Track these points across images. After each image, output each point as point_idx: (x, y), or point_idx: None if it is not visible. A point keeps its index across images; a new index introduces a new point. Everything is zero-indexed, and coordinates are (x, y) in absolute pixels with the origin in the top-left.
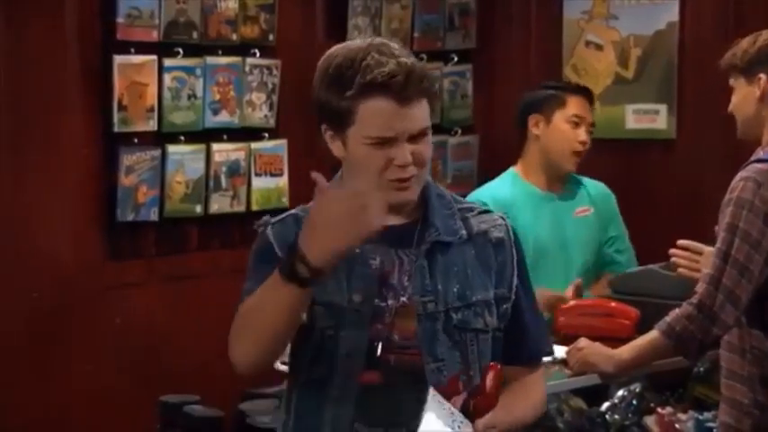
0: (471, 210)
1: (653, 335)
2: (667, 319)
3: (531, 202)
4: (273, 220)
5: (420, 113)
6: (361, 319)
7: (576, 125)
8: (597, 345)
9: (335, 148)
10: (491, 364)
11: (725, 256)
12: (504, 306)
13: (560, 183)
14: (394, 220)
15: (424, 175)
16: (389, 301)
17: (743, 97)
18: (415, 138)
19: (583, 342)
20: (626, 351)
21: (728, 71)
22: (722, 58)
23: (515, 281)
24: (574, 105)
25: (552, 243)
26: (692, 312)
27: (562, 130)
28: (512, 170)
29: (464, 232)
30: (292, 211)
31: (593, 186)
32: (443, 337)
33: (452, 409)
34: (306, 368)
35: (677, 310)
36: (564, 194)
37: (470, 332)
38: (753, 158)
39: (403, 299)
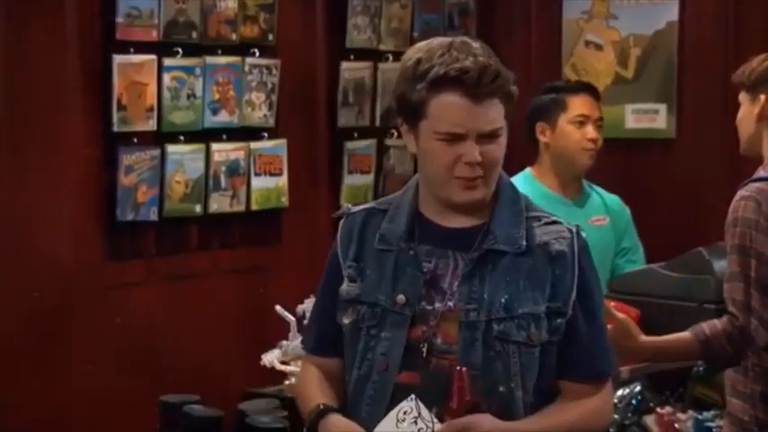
0: (539, 219)
1: (686, 337)
2: (706, 330)
3: (545, 205)
4: (352, 209)
5: (493, 113)
6: (402, 321)
7: (582, 124)
8: (626, 327)
9: (409, 142)
10: (457, 368)
11: (746, 279)
12: (558, 320)
13: (576, 188)
14: (462, 221)
15: (493, 176)
16: (437, 305)
17: (745, 115)
18: (485, 137)
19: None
20: (651, 344)
21: (738, 87)
22: (734, 74)
23: (573, 296)
24: (575, 105)
25: None
26: (733, 333)
27: (568, 133)
28: (527, 171)
29: (524, 243)
30: (367, 204)
31: (610, 198)
32: (481, 347)
33: (423, 413)
34: (354, 366)
35: (718, 325)
36: (579, 201)
37: (512, 344)
38: (753, 177)
39: (450, 303)
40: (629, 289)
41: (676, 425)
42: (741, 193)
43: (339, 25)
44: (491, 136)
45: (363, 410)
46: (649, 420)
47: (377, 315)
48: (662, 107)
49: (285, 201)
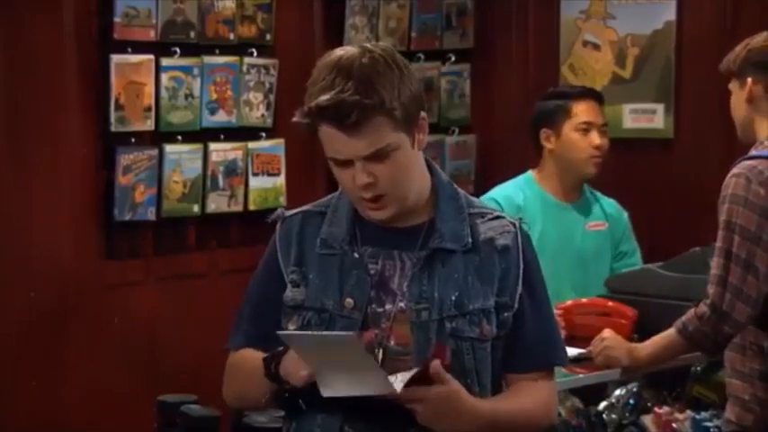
0: (482, 215)
1: (670, 332)
2: (683, 318)
3: (543, 209)
4: (286, 213)
5: (371, 137)
6: (352, 325)
7: (587, 131)
8: (619, 339)
9: None
10: (438, 346)
11: (727, 254)
12: (506, 314)
13: (577, 194)
14: (402, 222)
15: (399, 191)
16: (387, 306)
17: (736, 101)
18: (372, 158)
19: (606, 334)
20: (644, 347)
21: (727, 76)
22: (720, 65)
23: (519, 289)
24: (580, 112)
25: (560, 252)
26: (705, 312)
27: (573, 141)
28: (529, 174)
29: (470, 240)
30: (303, 207)
31: (608, 203)
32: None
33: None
34: None
35: (693, 310)
36: (578, 205)
37: (465, 341)
38: (746, 155)
39: (401, 304)
40: (626, 289)
41: (674, 424)
42: (733, 170)
43: (337, 25)
44: (378, 156)
45: (319, 416)
46: (647, 420)
47: (325, 321)
48: (660, 107)
49: (283, 201)
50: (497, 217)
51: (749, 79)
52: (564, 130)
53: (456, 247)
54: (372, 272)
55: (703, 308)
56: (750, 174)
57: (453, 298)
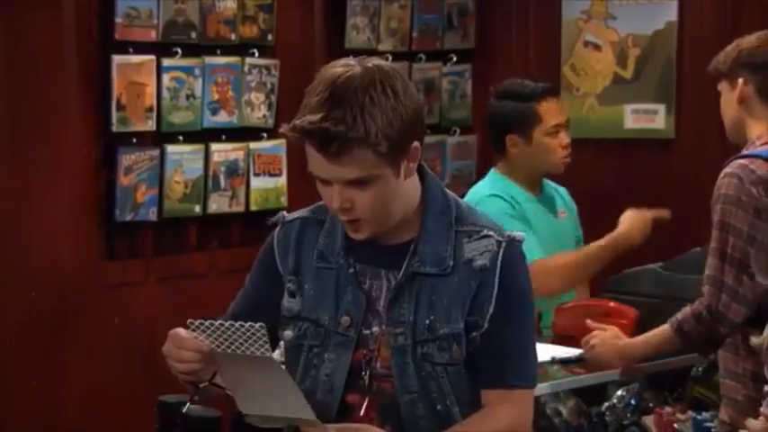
0: (470, 235)
1: (665, 329)
2: (678, 316)
3: (520, 202)
4: (287, 218)
5: (351, 165)
6: (347, 343)
7: (557, 133)
8: (609, 339)
9: None
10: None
11: (722, 255)
12: (473, 334)
13: (540, 186)
14: (391, 238)
15: (375, 218)
16: (374, 329)
17: (726, 102)
18: (352, 184)
19: (595, 337)
20: (637, 346)
21: (717, 76)
22: (709, 66)
23: (491, 309)
24: (549, 116)
25: (547, 245)
26: (701, 312)
27: (546, 145)
28: (495, 172)
29: (450, 263)
30: (303, 212)
31: (563, 190)
32: (414, 370)
33: None
34: (297, 380)
35: (689, 308)
36: (543, 197)
37: (438, 366)
38: (738, 155)
39: (384, 327)
40: (627, 289)
41: (675, 425)
42: (725, 170)
43: (338, 25)
44: (358, 183)
45: None
46: (648, 420)
47: (321, 335)
48: (661, 107)
49: (284, 201)
50: (485, 236)
51: (740, 80)
52: (534, 136)
53: (435, 271)
54: (365, 289)
55: (699, 307)
56: (742, 173)
57: (427, 322)
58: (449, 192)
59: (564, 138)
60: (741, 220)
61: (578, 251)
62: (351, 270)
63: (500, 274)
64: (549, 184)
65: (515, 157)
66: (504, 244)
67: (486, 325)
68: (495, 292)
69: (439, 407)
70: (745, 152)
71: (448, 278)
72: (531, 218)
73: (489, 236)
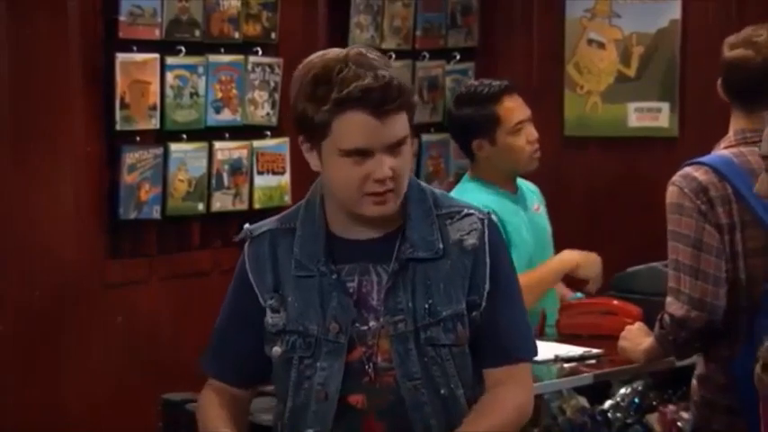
0: (451, 216)
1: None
2: (656, 327)
3: (501, 204)
4: (254, 232)
5: (398, 125)
6: (339, 349)
7: (521, 130)
8: (635, 332)
9: (312, 160)
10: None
11: (676, 265)
12: (474, 314)
13: (514, 183)
14: (375, 232)
15: (403, 186)
16: (371, 324)
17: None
18: (392, 149)
19: (625, 330)
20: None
21: None
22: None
23: (487, 286)
24: (509, 115)
25: (531, 242)
26: (665, 321)
27: (510, 144)
28: (469, 179)
29: (441, 246)
30: (270, 223)
31: (532, 185)
32: (416, 356)
33: None
34: (289, 395)
35: (660, 316)
36: (518, 194)
37: (443, 348)
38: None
39: (382, 320)
40: (632, 287)
41: (679, 423)
42: (672, 179)
43: (342, 24)
44: (397, 146)
45: None
46: (652, 419)
47: (311, 345)
48: (664, 105)
49: (288, 199)
50: (466, 215)
51: (720, 78)
52: (498, 137)
53: (428, 255)
54: (351, 291)
55: (666, 318)
56: (683, 182)
57: (427, 306)
58: (418, 180)
59: (530, 133)
60: (686, 226)
61: (542, 267)
62: (334, 276)
63: (489, 251)
64: (520, 181)
65: (485, 161)
66: (486, 221)
67: (483, 303)
68: (488, 270)
69: (443, 391)
70: (695, 159)
71: (440, 261)
72: (508, 219)
73: (471, 214)
